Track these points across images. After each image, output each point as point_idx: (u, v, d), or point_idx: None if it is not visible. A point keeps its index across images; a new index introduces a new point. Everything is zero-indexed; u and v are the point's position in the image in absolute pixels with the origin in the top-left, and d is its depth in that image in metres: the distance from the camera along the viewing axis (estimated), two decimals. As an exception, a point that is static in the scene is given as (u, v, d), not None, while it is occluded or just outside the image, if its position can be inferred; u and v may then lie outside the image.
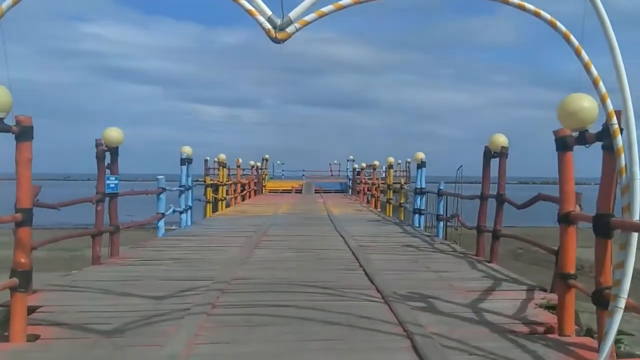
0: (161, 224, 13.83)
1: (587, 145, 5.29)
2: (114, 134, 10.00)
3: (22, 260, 5.52)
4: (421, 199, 15.98)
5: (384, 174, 32.06)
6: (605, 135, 4.68)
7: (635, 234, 4.30)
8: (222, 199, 23.03)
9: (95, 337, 5.44)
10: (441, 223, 13.95)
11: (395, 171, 27.93)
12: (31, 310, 6.06)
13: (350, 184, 38.50)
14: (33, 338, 5.39)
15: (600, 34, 4.54)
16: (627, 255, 4.25)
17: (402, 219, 18.91)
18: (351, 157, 42.78)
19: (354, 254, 10.47)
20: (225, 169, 23.92)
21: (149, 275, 8.51)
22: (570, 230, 5.45)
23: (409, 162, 39.66)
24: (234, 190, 26.85)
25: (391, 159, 22.46)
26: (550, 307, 6.47)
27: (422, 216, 16.08)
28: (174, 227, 16.87)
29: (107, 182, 10.07)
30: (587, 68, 4.87)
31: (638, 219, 4.26)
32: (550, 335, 5.50)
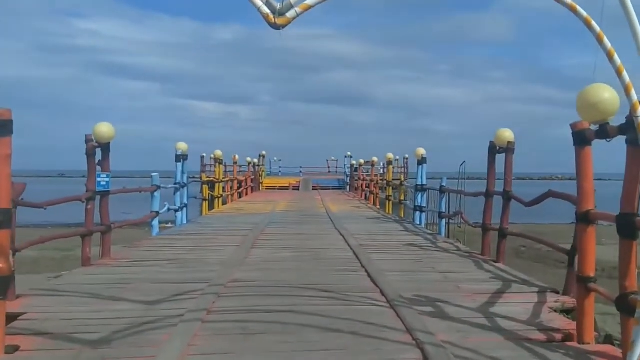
0: (155, 222, 13.43)
1: (608, 140, 4.93)
2: (104, 129, 9.62)
3: (0, 265, 5.11)
4: (422, 196, 15.60)
5: (381, 170, 31.74)
6: (630, 129, 4.30)
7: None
8: (219, 196, 22.66)
9: (79, 347, 5.05)
10: (443, 221, 13.56)
11: (393, 167, 27.54)
12: (12, 318, 5.70)
13: (348, 181, 38.15)
14: (12, 350, 4.97)
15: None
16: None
17: (403, 216, 18.55)
18: (349, 153, 42.51)
19: (354, 253, 10.10)
20: (221, 166, 23.53)
21: (141, 277, 8.12)
22: (590, 230, 5.05)
23: (407, 158, 39.47)
24: (231, 188, 26.48)
25: (390, 155, 22.08)
26: (565, 311, 6.12)
27: (424, 214, 15.69)
28: (170, 225, 16.48)
29: (98, 179, 9.69)
30: (610, 56, 4.49)
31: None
32: (569, 344, 5.12)
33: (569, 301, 6.42)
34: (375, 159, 27.25)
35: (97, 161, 9.67)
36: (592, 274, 5.05)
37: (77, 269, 9.02)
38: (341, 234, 12.90)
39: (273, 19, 3.97)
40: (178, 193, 15.56)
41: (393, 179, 22.39)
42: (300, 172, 51.73)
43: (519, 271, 8.66)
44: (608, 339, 5.56)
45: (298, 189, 39.85)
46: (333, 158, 54.31)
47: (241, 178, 30.49)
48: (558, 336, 5.25)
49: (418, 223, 15.61)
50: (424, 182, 15.53)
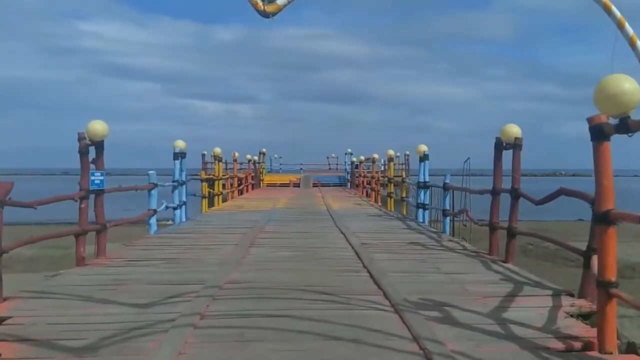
0: (153, 220, 13.09)
1: (630, 135, 4.58)
2: (98, 127, 9.31)
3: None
4: (425, 193, 15.24)
5: (382, 167, 31.41)
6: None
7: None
8: (218, 193, 22.32)
9: (63, 356, 4.72)
10: (447, 219, 13.20)
11: (394, 164, 27.18)
12: (-3, 322, 5.37)
13: (349, 178, 37.83)
14: (-9, 358, 4.65)
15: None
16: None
17: (405, 213, 18.19)
18: (349, 150, 42.16)
19: (356, 252, 9.75)
20: (220, 163, 23.19)
21: (135, 278, 7.79)
22: (610, 232, 4.68)
23: (408, 155, 39.09)
24: (231, 185, 26.16)
25: (391, 152, 21.74)
26: (582, 316, 5.77)
27: (426, 211, 15.32)
28: (170, 223, 16.15)
29: (92, 178, 9.37)
30: (632, 43, 4.15)
31: None
32: (590, 353, 4.75)
33: (586, 305, 6.07)
34: (376, 155, 26.90)
35: (91, 159, 9.37)
36: (613, 278, 4.69)
37: (71, 269, 8.70)
38: (342, 232, 12.55)
39: (262, 7, 3.67)
40: (176, 191, 15.23)
41: (394, 176, 22.03)
42: (301, 169, 51.37)
43: (529, 271, 8.34)
44: (631, 348, 5.19)
45: (298, 186, 39.55)
46: (333, 155, 53.91)
47: (241, 175, 30.17)
48: (577, 345, 4.88)
49: (421, 221, 15.25)
50: (427, 179, 15.17)
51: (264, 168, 41.55)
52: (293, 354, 4.74)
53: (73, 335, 5.26)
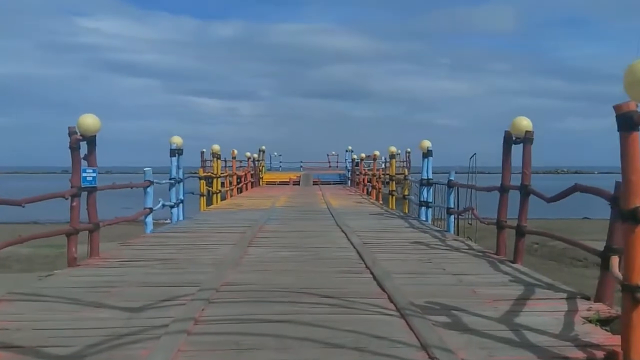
0: (149, 219, 12.74)
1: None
2: (89, 121, 8.99)
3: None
4: (428, 191, 14.88)
5: (383, 164, 31.10)
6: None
7: None
8: (217, 191, 21.99)
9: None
10: (452, 217, 12.83)
11: (396, 161, 26.83)
12: (-20, 327, 5.04)
13: (349, 175, 37.52)
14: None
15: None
16: None
17: (407, 212, 17.84)
18: (350, 147, 41.86)
19: (358, 252, 9.41)
20: (219, 161, 22.86)
21: (128, 280, 7.46)
22: (638, 231, 4.28)
23: (409, 152, 38.77)
24: (230, 183, 25.83)
25: (393, 148, 21.35)
26: (602, 322, 5.42)
27: (430, 209, 14.97)
28: (167, 221, 15.81)
29: (84, 174, 9.04)
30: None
31: None
32: (613, 363, 4.42)
33: (604, 310, 5.73)
34: (377, 152, 26.56)
35: (83, 155, 9.06)
36: None
37: (63, 269, 8.40)
38: (343, 231, 12.22)
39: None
40: (173, 189, 14.89)
41: (396, 173, 21.70)
42: (301, 167, 51.14)
43: (538, 272, 8.02)
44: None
45: (298, 184, 39.28)
46: (333, 153, 53.69)
47: (240, 173, 29.86)
48: (600, 354, 4.52)
49: (424, 219, 14.89)
50: (430, 176, 14.81)
51: (263, 166, 41.25)
52: (292, 364, 4.41)
53: (59, 341, 4.94)
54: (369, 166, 30.39)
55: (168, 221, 15.74)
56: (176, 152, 14.84)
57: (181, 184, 15.36)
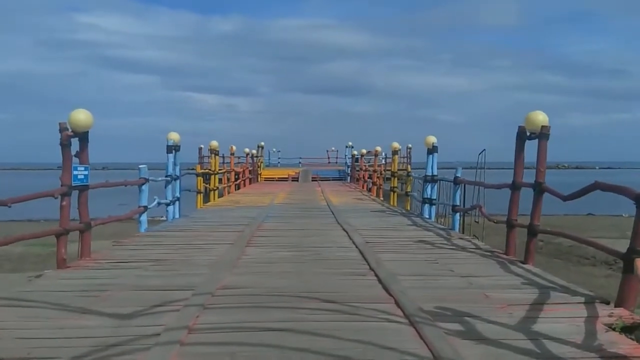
0: (143, 218, 12.33)
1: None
2: (81, 116, 8.59)
3: None
4: (432, 188, 14.47)
5: (383, 160, 30.71)
6: None
7: None
8: (214, 188, 21.59)
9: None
10: (457, 215, 12.42)
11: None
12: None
13: (349, 171, 37.11)
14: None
15: None
16: None
17: (409, 209, 17.43)
18: (350, 143, 41.45)
19: (361, 252, 9.02)
20: (217, 157, 22.46)
21: (119, 282, 7.07)
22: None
23: (410, 148, 38.36)
24: (228, 179, 25.43)
25: (396, 144, 20.95)
26: (625, 329, 5.04)
27: (433, 206, 14.56)
28: (163, 219, 15.42)
29: (75, 172, 8.64)
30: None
31: None
32: (645, 377, 4.03)
33: (627, 316, 5.35)
34: (378, 148, 26.14)
35: (74, 152, 8.66)
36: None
37: (51, 270, 8.02)
38: (344, 230, 11.82)
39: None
40: (169, 186, 14.47)
41: (398, 169, 21.31)
42: (300, 163, 50.73)
43: (546, 271, 7.66)
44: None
45: (297, 180, 38.86)
46: (333, 148, 53.28)
47: (238, 170, 29.45)
48: (628, 367, 4.15)
49: (427, 217, 14.49)
50: (435, 173, 14.40)
51: (262, 162, 40.83)
52: (294, 380, 4.02)
53: (42, 353, 4.59)
54: (369, 162, 30.01)
55: (164, 219, 15.35)
56: (173, 148, 14.42)
57: (177, 181, 14.96)
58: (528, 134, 8.32)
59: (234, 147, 27.89)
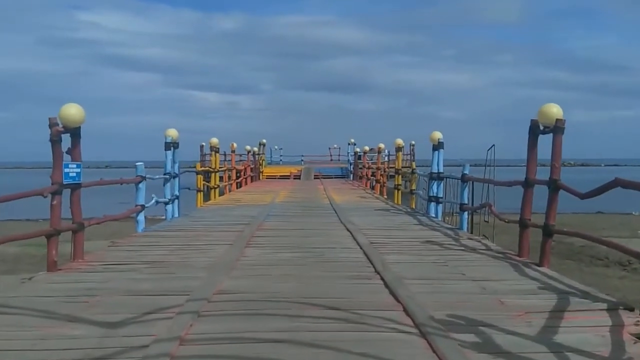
0: (141, 217, 11.91)
1: None
2: (72, 111, 8.19)
3: None
4: (439, 185, 14.03)
5: (386, 157, 30.30)
6: None
7: None
8: (215, 186, 21.17)
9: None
10: (465, 214, 11.97)
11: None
12: None
13: (352, 169, 36.70)
14: None
15: None
16: None
17: (414, 207, 16.98)
18: (352, 140, 41.06)
19: (365, 254, 8.61)
20: (217, 155, 22.06)
21: (111, 287, 6.66)
22: None
23: (413, 145, 38.00)
24: (229, 177, 25.02)
25: (400, 141, 20.48)
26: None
27: (440, 205, 14.12)
28: (163, 217, 15.00)
29: (66, 170, 8.24)
30: None
31: None
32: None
33: (655, 323, 4.94)
34: (381, 145, 25.71)
35: (66, 149, 8.27)
36: None
37: (41, 274, 7.64)
38: (348, 229, 11.39)
39: None
40: (168, 184, 14.06)
41: (402, 167, 20.86)
42: (302, 160, 50.33)
43: (559, 272, 7.27)
44: None
45: (299, 178, 38.49)
46: (335, 146, 52.83)
47: (240, 167, 29.03)
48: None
49: (433, 215, 14.05)
50: (441, 170, 13.96)
51: (263, 159, 40.41)
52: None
53: (20, 368, 4.18)
54: (371, 159, 29.61)
55: (164, 217, 14.94)
56: (171, 145, 14.00)
57: (176, 179, 14.55)
58: (541, 128, 7.90)
59: (235, 145, 27.47)
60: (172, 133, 14.04)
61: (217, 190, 21.36)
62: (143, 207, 11.98)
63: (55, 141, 8.02)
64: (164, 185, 14.02)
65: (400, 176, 20.19)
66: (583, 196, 6.99)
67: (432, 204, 14.20)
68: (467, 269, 7.55)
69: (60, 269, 7.76)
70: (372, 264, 7.85)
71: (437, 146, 13.85)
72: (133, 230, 11.82)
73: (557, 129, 7.50)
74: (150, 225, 12.95)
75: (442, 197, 14.04)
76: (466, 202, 11.98)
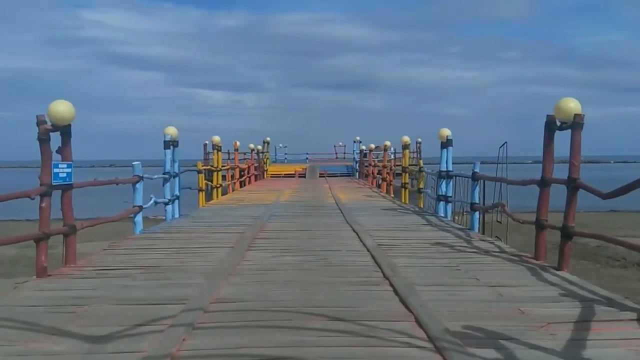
0: (138, 218, 11.47)
1: None
2: (62, 108, 7.79)
3: None
4: (447, 184, 13.54)
5: (391, 155, 29.86)
6: None
7: None
8: (217, 186, 20.74)
9: None
10: (476, 214, 11.48)
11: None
12: None
13: (357, 167, 36.25)
14: None
15: None
16: None
17: (422, 206, 16.49)
18: (358, 138, 40.67)
19: (373, 257, 8.15)
20: (220, 153, 21.62)
21: (102, 295, 6.22)
22: None
23: (420, 143, 37.58)
24: (232, 176, 24.57)
25: (407, 138, 20.00)
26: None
27: (449, 204, 13.63)
28: (164, 218, 14.56)
29: (55, 170, 7.81)
30: None
31: None
32: None
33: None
34: (387, 143, 25.23)
35: (56, 148, 7.85)
36: None
37: (29, 280, 7.25)
38: (354, 230, 10.93)
39: None
40: (167, 184, 13.61)
41: (410, 165, 20.38)
42: (307, 158, 49.98)
43: (575, 274, 6.87)
44: None
45: (304, 177, 38.09)
46: (340, 144, 52.48)
47: (243, 166, 28.59)
48: None
49: (442, 215, 13.56)
50: (450, 168, 13.47)
51: (267, 158, 39.98)
52: None
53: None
54: (378, 157, 29.18)
55: (164, 217, 14.50)
56: (170, 143, 13.54)
57: (176, 178, 14.10)
58: (558, 124, 7.43)
59: (238, 143, 27.01)
60: (171, 131, 13.58)
61: (219, 189, 20.92)
62: (141, 208, 11.55)
63: (43, 140, 7.61)
64: (163, 185, 13.58)
65: (407, 174, 19.71)
66: (605, 196, 6.52)
67: (441, 203, 13.71)
68: (481, 274, 7.08)
69: (50, 275, 7.35)
70: (380, 268, 7.40)
71: (446, 143, 13.35)
72: (125, 234, 11.38)
73: (575, 124, 7.02)
74: (151, 225, 12.55)
75: (451, 196, 13.55)
76: (477, 201, 11.48)
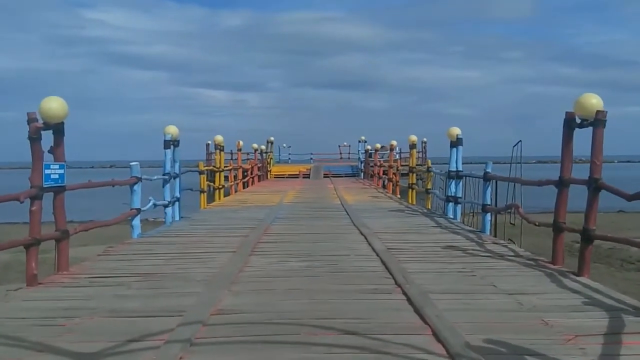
0: (136, 222, 11.05)
1: None
2: (54, 105, 7.41)
3: None
4: (457, 184, 13.11)
5: (397, 155, 29.45)
6: None
7: None
8: (220, 187, 20.32)
9: None
10: (488, 215, 11.02)
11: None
12: None
13: (362, 167, 35.81)
14: None
15: None
16: None
17: (430, 208, 16.05)
18: (363, 138, 40.28)
19: (383, 262, 7.74)
20: (223, 153, 21.21)
21: (93, 306, 5.82)
22: None
23: (425, 142, 37.21)
24: (235, 177, 24.16)
25: (414, 138, 19.57)
26: None
27: (459, 205, 13.20)
28: (163, 220, 14.16)
29: (47, 171, 7.41)
30: None
31: None
32: None
33: None
34: (393, 142, 24.78)
35: (49, 148, 7.46)
36: None
37: (18, 289, 6.85)
38: (362, 233, 10.52)
39: None
40: (167, 185, 13.19)
41: (417, 164, 19.94)
42: (311, 159, 49.57)
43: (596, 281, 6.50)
44: None
45: (308, 177, 37.66)
46: (345, 144, 52.12)
47: (246, 166, 28.17)
48: None
49: (451, 217, 13.14)
50: (460, 168, 13.03)
51: (271, 158, 39.54)
52: None
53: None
54: (382, 157, 28.76)
55: (163, 220, 14.09)
56: (171, 143, 13.11)
57: (177, 179, 13.68)
58: (578, 121, 7.02)
59: (241, 143, 26.60)
60: (172, 130, 13.16)
61: (221, 190, 20.50)
62: (139, 210, 11.13)
63: (34, 139, 7.20)
64: (163, 186, 13.16)
65: (414, 175, 19.28)
66: (631, 198, 6.11)
67: (451, 205, 13.27)
68: (498, 280, 6.67)
69: (40, 283, 6.97)
70: (391, 274, 6.99)
71: (456, 142, 12.91)
72: (122, 238, 10.99)
73: (597, 121, 6.62)
74: (151, 228, 12.16)
75: (461, 197, 13.12)
76: (489, 202, 11.02)
